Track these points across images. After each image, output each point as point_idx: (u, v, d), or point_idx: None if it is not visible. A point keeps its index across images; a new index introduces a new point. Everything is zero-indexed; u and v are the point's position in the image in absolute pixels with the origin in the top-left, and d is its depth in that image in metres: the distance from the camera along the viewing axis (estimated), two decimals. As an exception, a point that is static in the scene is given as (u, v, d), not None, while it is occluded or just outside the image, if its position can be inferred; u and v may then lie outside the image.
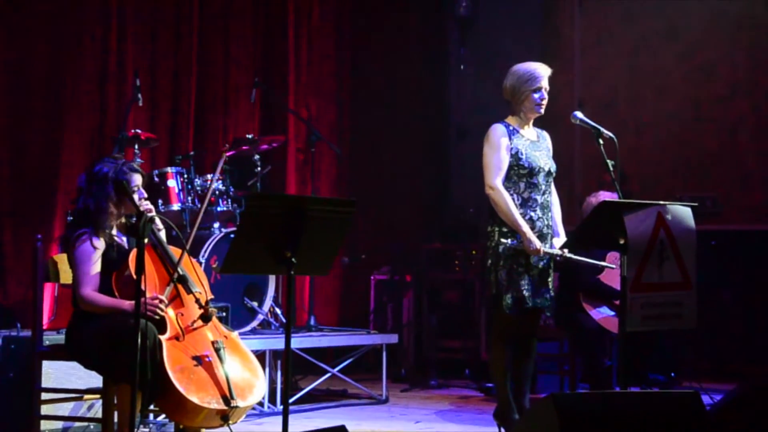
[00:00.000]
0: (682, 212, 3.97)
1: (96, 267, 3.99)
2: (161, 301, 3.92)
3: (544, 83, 4.59)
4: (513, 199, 4.52)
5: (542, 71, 4.59)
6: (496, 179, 4.52)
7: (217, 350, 3.91)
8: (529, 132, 4.68)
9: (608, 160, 4.28)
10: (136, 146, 5.85)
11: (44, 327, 4.58)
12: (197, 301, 4.05)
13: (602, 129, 4.40)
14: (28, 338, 4.41)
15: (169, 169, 5.90)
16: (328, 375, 6.16)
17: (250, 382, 3.94)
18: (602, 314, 5.64)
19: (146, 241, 3.63)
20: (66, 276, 4.22)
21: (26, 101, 6.38)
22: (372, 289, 7.85)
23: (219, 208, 6.01)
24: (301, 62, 7.98)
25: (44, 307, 4.82)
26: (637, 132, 8.08)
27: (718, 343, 7.46)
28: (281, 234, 3.50)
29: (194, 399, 3.72)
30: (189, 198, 5.87)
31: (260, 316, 5.92)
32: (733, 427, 3.46)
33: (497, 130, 4.58)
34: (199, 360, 3.85)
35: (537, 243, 4.45)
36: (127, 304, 3.91)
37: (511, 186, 4.55)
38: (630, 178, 7.44)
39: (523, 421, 4.06)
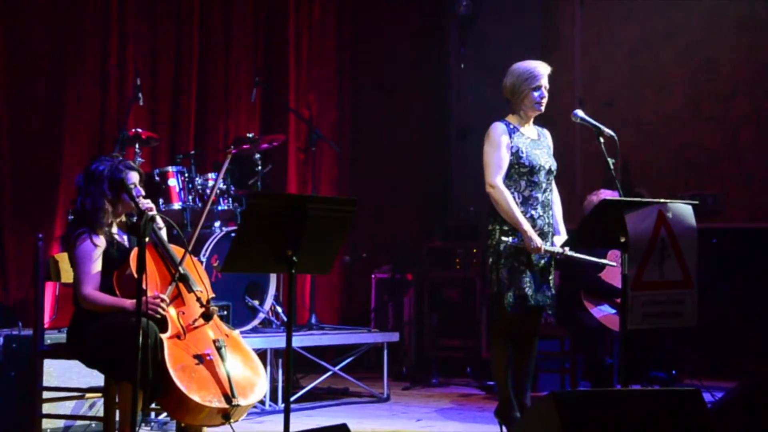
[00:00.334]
0: (684, 210, 3.97)
1: (97, 266, 3.99)
2: (162, 299, 3.93)
3: (544, 81, 4.59)
4: (514, 198, 4.52)
5: (542, 69, 4.60)
6: (496, 178, 4.52)
7: (218, 349, 3.91)
8: (530, 130, 4.68)
9: (609, 159, 4.28)
10: (137, 145, 5.85)
11: (45, 326, 4.58)
12: (198, 299, 4.05)
13: (603, 127, 4.40)
14: (30, 337, 4.41)
15: (169, 169, 5.91)
16: (330, 373, 6.16)
17: (252, 380, 3.94)
18: (603, 312, 5.64)
19: (147, 239, 3.63)
20: (67, 275, 4.22)
21: (27, 100, 6.39)
22: (373, 287, 7.86)
23: (220, 207, 6.01)
24: (302, 61, 7.98)
25: (45, 306, 4.82)
26: (638, 131, 8.08)
27: (719, 340, 7.46)
28: (282, 233, 3.51)
29: (196, 397, 3.72)
30: (190, 197, 5.88)
31: (261, 315, 5.92)
32: (734, 425, 3.46)
33: (497, 129, 4.58)
34: (200, 358, 3.85)
35: (538, 241, 4.45)
36: (129, 302, 3.91)
37: (511, 184, 4.55)
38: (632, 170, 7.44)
39: (524, 420, 4.06)
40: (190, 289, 4.06)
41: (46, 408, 4.29)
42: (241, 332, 4.28)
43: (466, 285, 7.61)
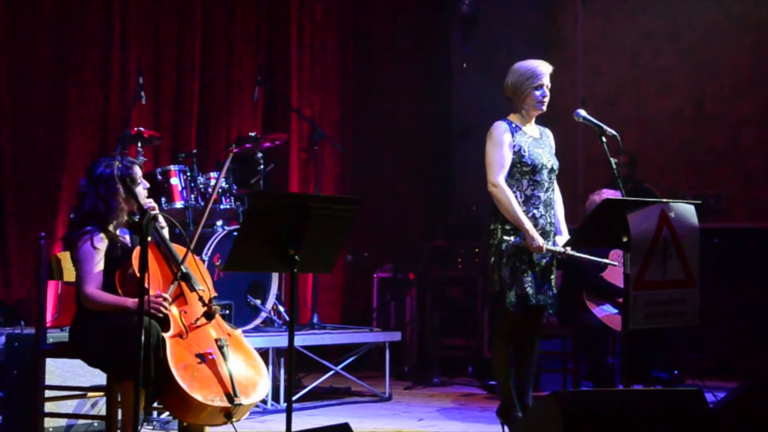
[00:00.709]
0: (686, 210, 3.96)
1: (99, 265, 4.00)
2: (165, 299, 3.93)
3: (546, 80, 4.59)
4: (516, 197, 4.52)
5: (543, 68, 4.59)
6: (498, 176, 4.51)
7: (220, 348, 3.91)
8: (532, 129, 4.67)
9: (611, 158, 4.27)
10: (140, 144, 5.85)
11: (48, 325, 4.59)
12: (200, 298, 4.05)
13: (605, 127, 4.40)
14: (32, 336, 4.42)
15: (172, 167, 5.91)
16: (331, 373, 6.16)
17: (254, 379, 3.94)
18: (605, 312, 5.64)
19: (149, 239, 3.64)
20: (69, 274, 4.22)
21: (30, 99, 6.39)
22: (375, 286, 7.85)
23: (222, 206, 6.01)
24: (304, 60, 7.98)
25: (48, 305, 4.83)
26: (641, 130, 8.07)
27: (721, 341, 7.46)
28: (284, 232, 3.50)
29: (198, 396, 3.72)
30: (192, 196, 5.88)
31: (263, 314, 5.92)
32: (736, 425, 3.46)
33: (500, 128, 4.58)
34: (202, 357, 3.85)
35: (540, 240, 4.45)
36: (131, 301, 3.91)
37: (513, 183, 4.55)
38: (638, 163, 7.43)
39: (526, 419, 4.05)
40: (192, 288, 4.06)
41: (48, 407, 4.29)
42: (243, 331, 4.28)
43: (468, 284, 7.61)
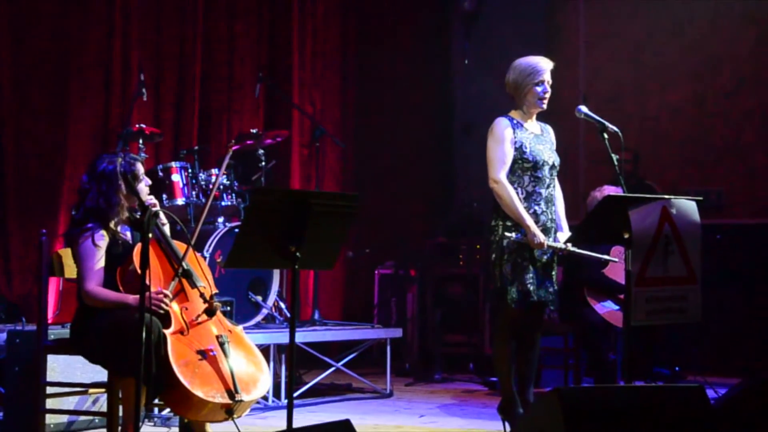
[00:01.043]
0: (688, 206, 3.96)
1: (100, 262, 4.00)
2: (166, 295, 3.93)
3: (547, 77, 4.59)
4: (517, 193, 4.52)
5: (544, 65, 4.59)
6: (500, 173, 4.51)
7: (221, 344, 3.91)
8: (533, 126, 4.67)
9: (613, 155, 4.27)
10: (141, 141, 5.86)
11: (49, 321, 4.59)
12: (202, 295, 4.05)
13: (607, 123, 4.39)
14: (33, 332, 4.42)
15: (173, 164, 5.91)
16: (333, 369, 6.17)
17: (255, 376, 3.94)
18: (607, 308, 5.63)
19: (150, 235, 3.64)
20: (71, 270, 4.22)
21: (31, 96, 6.39)
22: (376, 283, 7.86)
23: (223, 203, 6.01)
24: (306, 57, 7.98)
25: (49, 302, 4.83)
26: (642, 127, 8.06)
27: (722, 337, 7.45)
28: (285, 228, 3.50)
29: (199, 393, 3.72)
30: (193, 193, 5.88)
31: (264, 311, 5.93)
32: (737, 422, 3.46)
33: (501, 124, 4.58)
34: (203, 354, 3.85)
35: (541, 236, 4.45)
36: (132, 298, 3.92)
37: (515, 180, 4.54)
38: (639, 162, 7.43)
39: (527, 416, 4.05)
40: (193, 285, 4.06)
41: (50, 403, 4.29)
42: (245, 328, 4.28)
43: (469, 281, 7.61)
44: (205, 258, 5.42)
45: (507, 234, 4.49)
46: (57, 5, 6.47)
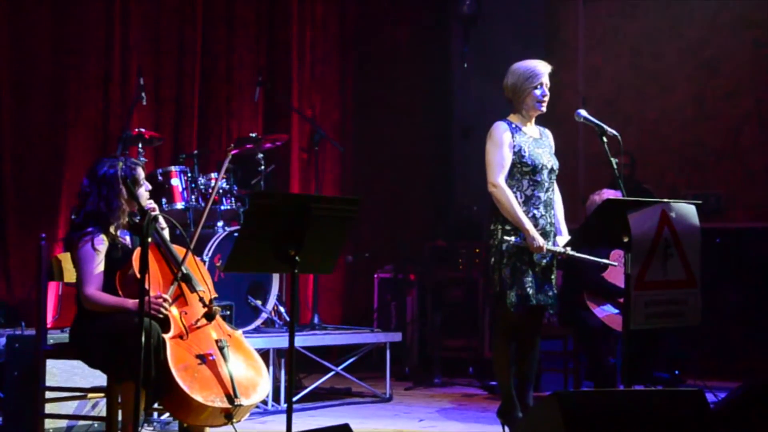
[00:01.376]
0: (687, 210, 3.96)
1: (100, 266, 4.00)
2: (165, 299, 3.93)
3: (545, 80, 4.59)
4: (516, 197, 4.52)
5: (542, 68, 4.59)
6: (498, 177, 4.51)
7: (220, 349, 3.91)
8: (532, 129, 4.67)
9: (612, 158, 4.27)
10: (140, 145, 5.85)
11: (48, 326, 4.58)
12: (201, 299, 4.05)
13: (606, 126, 4.40)
14: (33, 337, 4.41)
15: (172, 168, 5.91)
16: (332, 373, 6.16)
17: (254, 380, 3.94)
18: (606, 312, 5.63)
19: (150, 240, 3.64)
20: (70, 275, 4.22)
21: (31, 101, 6.39)
22: (376, 287, 7.85)
23: (223, 207, 6.01)
24: (305, 61, 7.98)
25: (48, 306, 4.83)
26: (641, 130, 8.07)
27: (722, 341, 7.45)
28: (285, 232, 3.50)
29: (198, 397, 3.72)
30: (193, 197, 5.88)
31: (264, 315, 5.92)
32: (737, 426, 3.46)
33: (500, 128, 4.58)
34: (202, 358, 3.85)
35: (540, 240, 4.45)
36: (131, 302, 3.91)
37: (514, 183, 4.55)
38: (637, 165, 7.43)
39: (527, 420, 4.05)
40: (192, 289, 4.06)
41: (49, 408, 4.28)
42: (244, 332, 4.28)
43: (468, 285, 7.61)
44: (204, 262, 5.41)
45: (506, 238, 4.49)
46: (56, 9, 6.47)
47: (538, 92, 4.57)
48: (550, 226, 4.61)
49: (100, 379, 4.26)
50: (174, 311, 3.96)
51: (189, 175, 5.91)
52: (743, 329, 7.54)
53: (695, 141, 8.02)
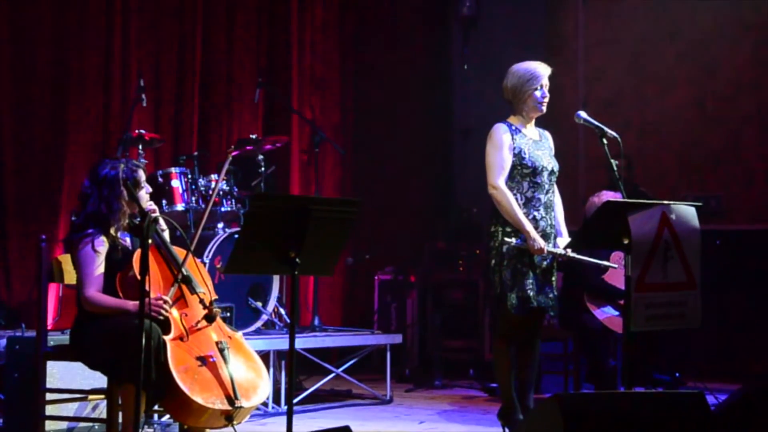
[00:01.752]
0: (687, 212, 3.96)
1: (100, 268, 4.00)
2: (165, 301, 3.93)
3: (545, 81, 4.59)
4: (516, 199, 4.52)
5: (542, 70, 4.59)
6: (498, 179, 4.51)
7: (221, 350, 3.91)
8: (532, 131, 4.67)
9: (612, 160, 4.27)
10: (140, 146, 5.86)
11: (49, 327, 4.58)
12: (201, 301, 4.05)
13: (606, 128, 4.39)
14: (33, 339, 4.41)
15: (173, 170, 5.91)
16: (332, 375, 6.16)
17: (254, 382, 3.94)
18: (606, 314, 5.63)
19: (150, 241, 3.64)
20: (70, 276, 4.22)
21: (31, 102, 6.40)
22: (376, 289, 7.85)
23: (223, 209, 6.01)
24: (305, 62, 7.98)
25: (49, 308, 4.82)
26: (641, 131, 8.07)
27: (722, 343, 7.45)
28: (285, 234, 3.50)
29: (198, 399, 3.72)
30: (193, 198, 5.88)
31: (264, 317, 5.92)
32: (737, 428, 3.46)
33: (500, 129, 4.58)
34: (203, 360, 3.85)
35: (540, 242, 4.45)
36: (132, 304, 3.91)
37: (514, 185, 4.55)
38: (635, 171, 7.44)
39: (527, 422, 4.05)
40: (193, 291, 4.06)
41: (49, 410, 4.29)
42: (244, 334, 4.28)
43: (469, 286, 7.60)
44: (204, 264, 5.42)
45: (506, 240, 4.49)
46: (56, 9, 6.47)
47: (538, 94, 4.57)
48: (550, 228, 4.61)
49: (100, 380, 4.26)
50: (174, 313, 3.96)
51: (189, 176, 5.91)
52: (744, 331, 7.54)
53: (695, 143, 8.02)
